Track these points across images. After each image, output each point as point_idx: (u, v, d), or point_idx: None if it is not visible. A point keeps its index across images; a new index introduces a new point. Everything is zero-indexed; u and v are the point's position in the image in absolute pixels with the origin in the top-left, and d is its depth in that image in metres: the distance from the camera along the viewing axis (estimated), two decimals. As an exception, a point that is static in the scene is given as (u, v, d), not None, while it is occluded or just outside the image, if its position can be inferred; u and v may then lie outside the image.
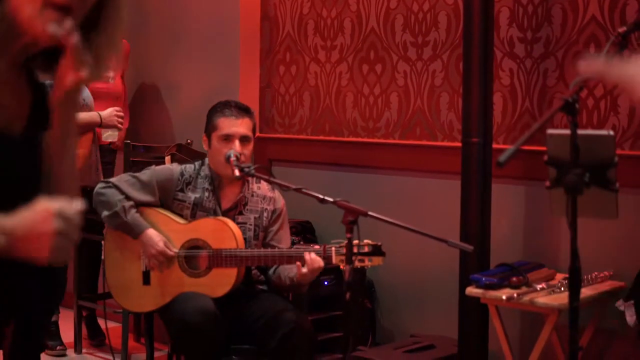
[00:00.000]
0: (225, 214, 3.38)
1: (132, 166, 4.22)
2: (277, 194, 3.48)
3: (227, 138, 3.32)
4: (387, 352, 3.58)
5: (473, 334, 3.46)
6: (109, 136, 4.37)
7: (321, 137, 4.45)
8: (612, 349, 3.44)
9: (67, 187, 1.65)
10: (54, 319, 4.44)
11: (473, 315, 3.43)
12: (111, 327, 4.17)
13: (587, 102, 3.52)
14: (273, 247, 3.39)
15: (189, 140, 4.48)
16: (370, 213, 2.74)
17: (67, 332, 4.57)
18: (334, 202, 2.80)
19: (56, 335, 4.50)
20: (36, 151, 1.67)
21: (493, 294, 3.17)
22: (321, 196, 2.85)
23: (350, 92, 4.34)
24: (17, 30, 1.60)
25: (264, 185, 3.45)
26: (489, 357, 3.50)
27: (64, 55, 1.61)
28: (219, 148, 3.33)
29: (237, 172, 3.21)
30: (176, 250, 3.31)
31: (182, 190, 3.39)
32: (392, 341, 4.02)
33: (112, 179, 3.42)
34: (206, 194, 3.37)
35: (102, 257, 3.49)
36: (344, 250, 3.07)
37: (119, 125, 4.33)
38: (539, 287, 3.19)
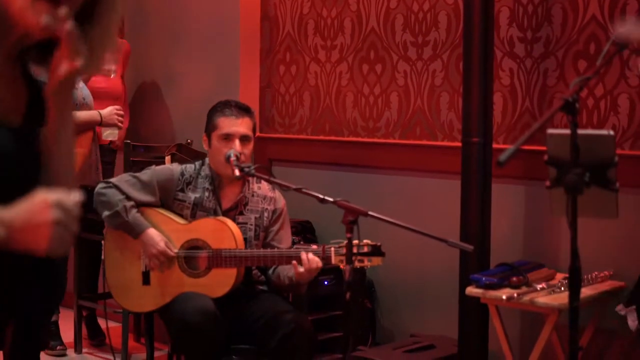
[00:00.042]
0: (226, 213, 3.37)
1: (132, 166, 4.22)
2: (277, 193, 3.48)
3: (227, 137, 3.32)
4: (387, 352, 3.58)
5: (473, 334, 3.46)
6: (109, 134, 4.37)
7: (321, 137, 4.45)
8: (612, 349, 3.44)
9: (64, 179, 1.66)
10: (54, 318, 4.44)
11: (473, 315, 3.43)
12: (111, 327, 4.17)
13: (587, 102, 3.52)
14: (273, 247, 3.39)
15: (189, 140, 4.48)
16: (370, 213, 2.74)
17: (67, 332, 4.57)
18: (334, 202, 2.80)
19: (56, 335, 4.50)
20: (34, 144, 1.67)
21: (493, 293, 3.17)
22: (321, 196, 2.85)
23: (350, 92, 4.34)
24: (9, 22, 1.60)
25: (264, 185, 3.45)
26: (489, 357, 3.50)
27: (58, 47, 1.61)
28: (219, 147, 3.33)
29: (237, 172, 3.21)
30: (176, 249, 3.31)
31: (182, 190, 3.39)
32: (392, 341, 4.02)
33: (113, 179, 3.42)
34: (206, 193, 3.37)
35: (102, 257, 3.48)
36: (343, 251, 3.07)
37: (119, 124, 4.32)
38: (539, 287, 3.19)
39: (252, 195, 3.42)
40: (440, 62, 3.99)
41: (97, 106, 4.31)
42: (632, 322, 3.09)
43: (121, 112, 4.34)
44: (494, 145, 3.54)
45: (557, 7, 3.60)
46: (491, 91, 3.52)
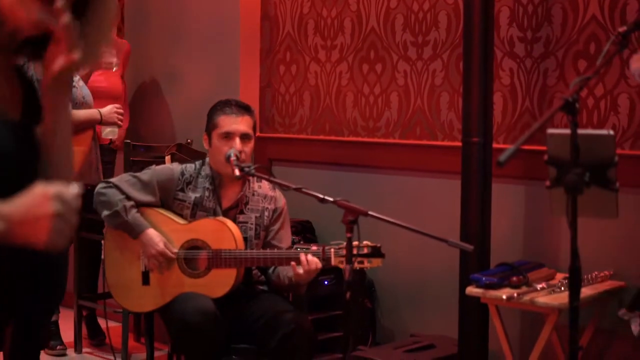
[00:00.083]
0: (226, 212, 3.37)
1: (132, 166, 4.22)
2: (278, 193, 3.48)
3: (228, 136, 3.32)
4: (387, 352, 3.58)
5: (473, 334, 3.46)
6: (109, 133, 4.36)
7: (321, 137, 4.45)
8: (612, 349, 3.44)
9: (63, 172, 1.66)
10: (54, 318, 4.44)
11: (473, 315, 3.43)
12: (111, 326, 4.17)
13: (587, 102, 3.52)
14: (274, 246, 3.39)
15: (189, 140, 4.48)
16: (370, 213, 2.73)
17: (67, 331, 4.57)
18: (334, 202, 2.80)
19: (56, 335, 4.50)
20: (32, 139, 1.67)
21: (493, 293, 3.17)
22: (321, 196, 2.85)
23: (350, 92, 4.34)
24: (0, 19, 1.60)
25: (265, 184, 3.45)
26: (489, 357, 3.50)
27: (52, 41, 1.61)
28: (219, 146, 3.33)
29: (237, 172, 3.20)
30: (176, 250, 3.31)
31: (182, 190, 3.38)
32: (392, 341, 4.02)
33: (113, 179, 3.41)
34: (207, 193, 3.37)
35: (102, 256, 3.48)
36: (343, 252, 3.07)
37: (119, 122, 4.33)
38: (539, 286, 3.19)
39: (253, 195, 3.42)
40: (440, 61, 3.99)
41: (97, 105, 4.31)
42: (635, 327, 3.08)
43: (121, 111, 4.34)
44: (494, 145, 3.54)
45: (557, 7, 3.60)
46: (491, 91, 3.52)
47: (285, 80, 4.62)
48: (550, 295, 3.13)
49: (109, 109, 4.28)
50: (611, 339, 3.43)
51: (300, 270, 3.14)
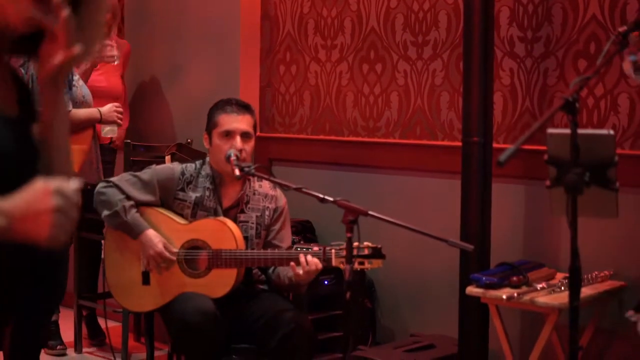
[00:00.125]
0: (227, 211, 3.37)
1: (132, 165, 4.22)
2: (278, 192, 3.48)
3: (228, 134, 3.32)
4: (387, 352, 3.58)
5: (473, 334, 3.46)
6: (109, 131, 4.37)
7: (321, 137, 4.45)
8: (612, 349, 3.44)
9: (62, 167, 1.66)
10: (54, 318, 4.44)
11: (473, 315, 3.43)
12: (111, 326, 4.17)
13: (587, 102, 3.52)
14: (275, 246, 3.39)
15: (189, 140, 4.48)
16: (370, 212, 2.74)
17: (67, 331, 4.57)
18: (334, 202, 2.80)
19: (56, 335, 4.50)
20: (30, 136, 1.67)
21: (493, 293, 3.17)
22: (321, 195, 2.85)
23: (350, 92, 4.34)
24: None
25: (265, 183, 3.45)
26: (489, 357, 3.50)
27: (46, 38, 1.61)
28: (220, 145, 3.32)
29: (237, 172, 3.20)
30: (176, 249, 3.31)
31: (182, 190, 3.38)
32: (392, 340, 4.02)
33: (113, 179, 3.41)
34: (207, 193, 3.37)
35: (102, 256, 3.48)
36: (343, 253, 3.06)
37: (119, 121, 4.33)
38: (539, 286, 3.19)
39: (254, 194, 3.42)
40: (441, 61, 3.99)
41: (97, 105, 4.31)
42: None
43: (120, 110, 4.35)
44: (494, 145, 3.54)
45: (557, 6, 3.59)
46: (491, 91, 3.52)
47: (285, 80, 4.62)
48: (550, 295, 3.13)
49: (109, 108, 4.28)
50: (611, 339, 3.43)
51: (300, 271, 3.14)
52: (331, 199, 2.81)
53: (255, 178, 3.41)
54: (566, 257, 2.35)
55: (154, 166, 3.47)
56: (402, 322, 4.11)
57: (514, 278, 3.21)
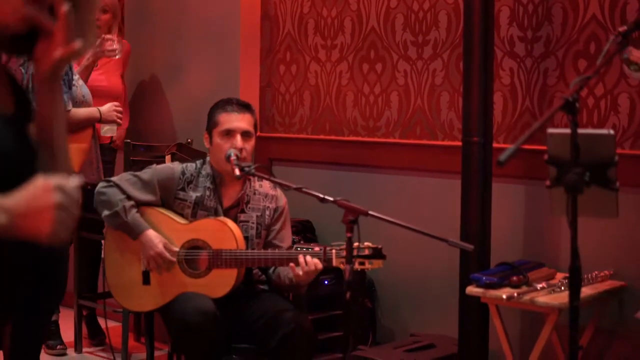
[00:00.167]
0: (227, 211, 3.37)
1: (133, 165, 4.22)
2: (279, 192, 3.48)
3: (229, 133, 3.32)
4: (387, 352, 3.58)
5: (473, 333, 3.46)
6: (108, 131, 4.37)
7: (321, 137, 4.45)
8: (612, 348, 3.44)
9: (62, 164, 1.66)
10: (54, 318, 4.44)
11: (473, 315, 3.43)
12: (111, 326, 4.17)
13: (588, 101, 3.52)
14: (275, 246, 3.39)
15: (189, 140, 4.48)
16: (370, 212, 2.73)
17: (67, 331, 4.57)
18: (334, 202, 2.80)
19: (56, 335, 4.50)
20: (28, 134, 1.67)
21: (493, 293, 3.17)
22: (321, 195, 2.85)
23: (350, 92, 4.34)
24: None
25: (265, 183, 3.45)
26: (489, 357, 3.50)
27: (42, 35, 1.61)
28: (220, 144, 3.33)
29: (237, 172, 3.20)
30: (176, 249, 3.31)
31: (183, 189, 3.38)
32: (392, 340, 4.02)
33: (113, 178, 3.41)
34: (207, 192, 3.37)
35: (102, 256, 3.48)
36: (344, 253, 3.06)
37: (118, 121, 4.33)
38: (539, 286, 3.19)
39: (254, 193, 3.42)
40: (441, 61, 3.99)
41: (97, 105, 4.32)
42: None
43: (120, 109, 4.35)
44: (494, 145, 3.53)
45: (558, 6, 3.59)
46: (491, 91, 3.52)
47: (285, 79, 4.62)
48: (550, 295, 3.13)
49: (108, 107, 4.29)
50: (611, 339, 3.43)
51: (300, 272, 3.14)
52: (331, 198, 2.81)
53: (256, 178, 3.41)
54: (566, 257, 2.35)
55: (154, 166, 3.47)
56: (402, 322, 4.11)
57: (514, 278, 3.21)
